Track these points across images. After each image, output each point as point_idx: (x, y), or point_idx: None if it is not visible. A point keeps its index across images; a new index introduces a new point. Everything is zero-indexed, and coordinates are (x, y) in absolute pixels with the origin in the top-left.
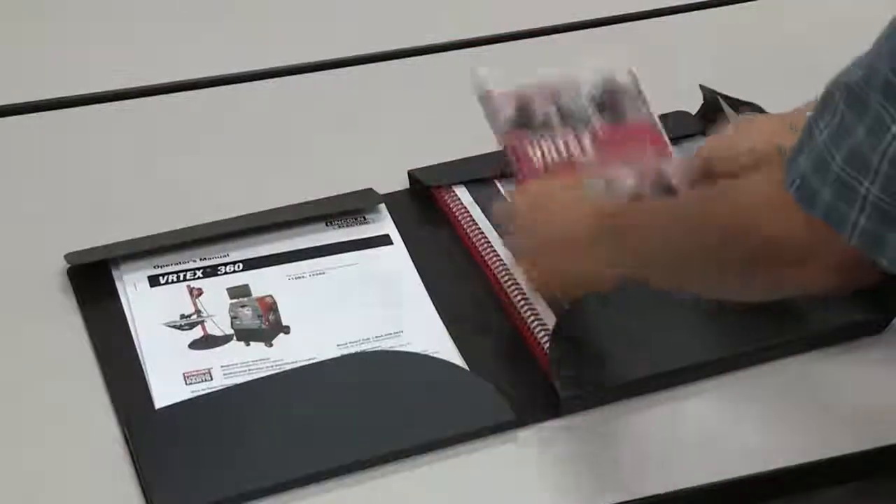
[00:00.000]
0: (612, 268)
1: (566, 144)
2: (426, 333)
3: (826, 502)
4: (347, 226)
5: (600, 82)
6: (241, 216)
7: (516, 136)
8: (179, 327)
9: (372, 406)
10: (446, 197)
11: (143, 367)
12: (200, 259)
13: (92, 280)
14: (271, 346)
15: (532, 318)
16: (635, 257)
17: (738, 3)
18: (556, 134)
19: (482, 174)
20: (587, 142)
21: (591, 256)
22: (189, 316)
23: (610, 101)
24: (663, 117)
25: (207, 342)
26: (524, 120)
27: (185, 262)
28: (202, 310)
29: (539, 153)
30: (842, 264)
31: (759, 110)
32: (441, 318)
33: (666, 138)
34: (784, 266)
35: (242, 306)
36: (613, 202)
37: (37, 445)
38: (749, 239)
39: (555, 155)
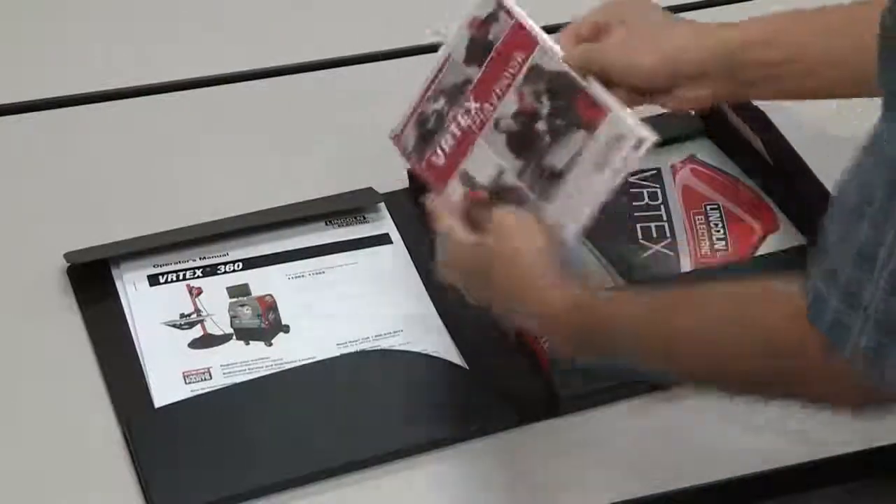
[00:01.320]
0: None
1: (457, 123)
2: (426, 333)
3: (825, 502)
4: (347, 225)
5: (462, 30)
6: (241, 215)
7: (427, 166)
8: (179, 326)
9: (372, 406)
10: None
11: (143, 366)
12: (200, 258)
13: (92, 279)
14: (271, 345)
15: None
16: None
17: (737, 3)
18: (448, 119)
19: None
20: (471, 101)
21: (561, 346)
22: (189, 315)
23: (477, 41)
24: (662, 116)
25: (207, 341)
26: (426, 137)
27: (184, 262)
28: (202, 309)
29: (441, 153)
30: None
31: (759, 111)
32: (441, 318)
33: (536, 31)
34: (812, 384)
35: (242, 305)
36: (591, 291)
37: (36, 444)
38: (777, 353)
39: (450, 142)
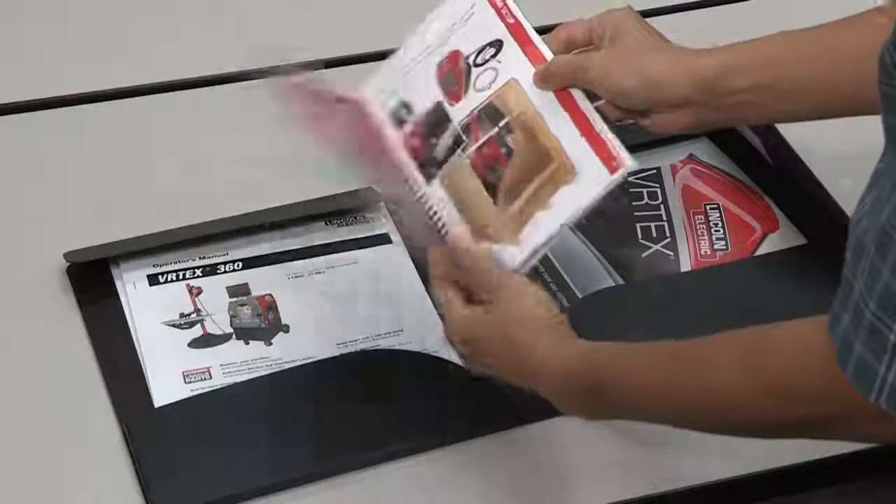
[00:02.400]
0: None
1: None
2: (426, 333)
3: (825, 502)
4: (347, 224)
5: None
6: (241, 215)
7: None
8: (179, 326)
9: (371, 405)
10: None
11: (143, 365)
12: (200, 258)
13: (91, 279)
14: (271, 344)
15: None
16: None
17: (737, 2)
18: None
19: None
20: None
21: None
22: (188, 315)
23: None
24: None
25: (207, 341)
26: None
27: (184, 261)
28: (201, 308)
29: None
30: None
31: None
32: (441, 318)
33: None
34: (843, 424)
35: (242, 305)
36: (595, 353)
37: (36, 444)
38: (801, 402)
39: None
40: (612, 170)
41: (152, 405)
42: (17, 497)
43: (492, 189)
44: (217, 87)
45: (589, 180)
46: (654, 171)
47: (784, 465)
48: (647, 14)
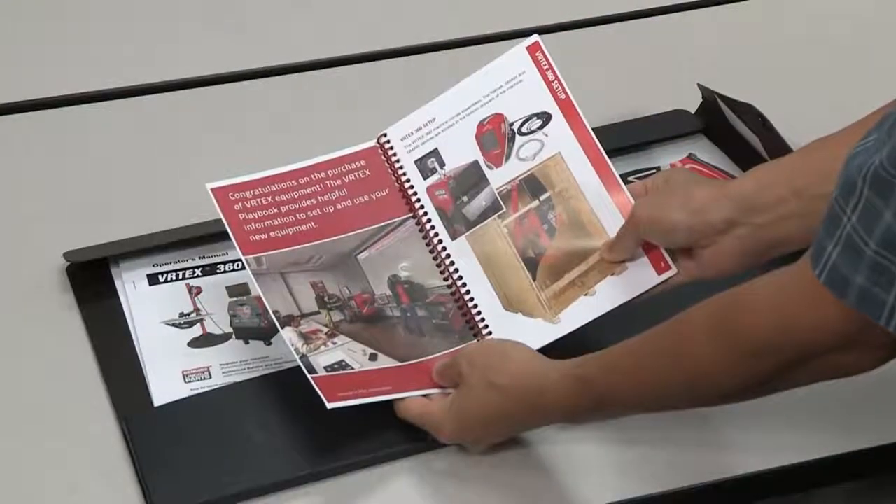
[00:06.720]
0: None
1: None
2: None
3: (825, 501)
4: None
5: None
6: None
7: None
8: (178, 325)
9: (371, 405)
10: None
11: (142, 365)
12: (199, 257)
13: (91, 278)
14: (270, 344)
15: None
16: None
17: (737, 2)
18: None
19: None
20: None
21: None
22: (188, 314)
23: None
24: (662, 116)
25: (206, 340)
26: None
27: (183, 261)
28: (201, 308)
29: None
30: (890, 341)
31: (756, 111)
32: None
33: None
34: (825, 356)
35: (241, 304)
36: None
37: (36, 443)
38: (783, 348)
39: None
40: (660, 270)
41: (152, 404)
42: (17, 497)
43: (530, 262)
44: (217, 87)
45: (636, 276)
46: (654, 170)
47: (785, 465)
48: (646, 14)
